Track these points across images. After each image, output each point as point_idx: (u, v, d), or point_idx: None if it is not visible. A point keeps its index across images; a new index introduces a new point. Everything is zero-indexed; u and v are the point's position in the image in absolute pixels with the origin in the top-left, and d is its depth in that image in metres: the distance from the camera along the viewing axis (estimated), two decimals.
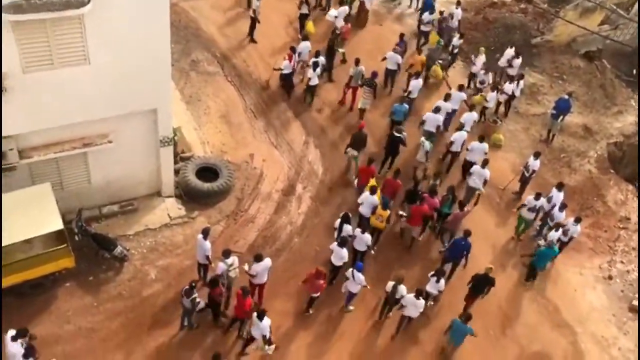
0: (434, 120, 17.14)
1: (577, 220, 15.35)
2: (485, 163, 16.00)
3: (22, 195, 12.55)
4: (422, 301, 12.92)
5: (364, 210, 14.81)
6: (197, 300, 12.39)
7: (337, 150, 17.54)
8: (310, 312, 13.67)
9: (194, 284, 12.36)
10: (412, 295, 12.93)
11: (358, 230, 14.06)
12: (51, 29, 11.22)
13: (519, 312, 14.80)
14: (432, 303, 13.77)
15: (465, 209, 15.00)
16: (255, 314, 11.95)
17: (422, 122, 17.33)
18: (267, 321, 11.89)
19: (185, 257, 14.31)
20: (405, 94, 18.67)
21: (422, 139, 16.60)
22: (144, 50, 12.37)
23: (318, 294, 13.29)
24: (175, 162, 15.50)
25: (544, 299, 15.20)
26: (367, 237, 13.98)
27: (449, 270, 14.45)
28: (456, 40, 20.26)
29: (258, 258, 12.78)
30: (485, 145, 16.76)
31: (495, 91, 18.96)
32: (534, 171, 16.76)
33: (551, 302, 15.18)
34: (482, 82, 19.61)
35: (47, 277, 12.85)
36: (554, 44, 22.67)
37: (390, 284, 13.25)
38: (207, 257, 13.09)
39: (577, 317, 15.01)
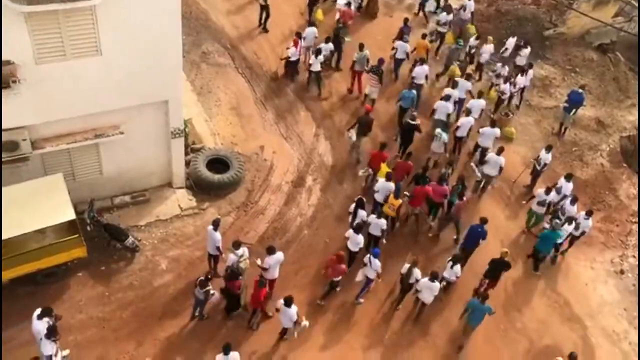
0: (444, 108, 17.15)
1: (589, 214, 15.23)
2: (500, 151, 16.03)
3: (35, 186, 12.67)
4: (437, 284, 13.07)
5: (380, 197, 14.93)
6: (212, 292, 12.47)
7: (349, 141, 17.52)
8: (322, 303, 13.74)
9: (209, 276, 12.46)
10: (426, 279, 13.06)
11: (373, 216, 14.16)
12: (64, 20, 11.27)
13: (530, 306, 14.77)
14: (445, 283, 13.89)
15: (464, 197, 15.02)
16: (282, 301, 12.11)
17: (433, 111, 17.33)
18: (294, 308, 12.10)
19: (195, 248, 14.38)
20: (411, 79, 18.63)
21: (438, 130, 16.56)
22: (156, 41, 12.39)
23: (340, 278, 13.41)
24: (186, 154, 15.54)
25: (555, 293, 15.15)
26: (383, 221, 14.13)
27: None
28: (473, 41, 19.87)
29: (270, 250, 12.80)
30: (496, 130, 16.85)
31: (509, 83, 18.83)
32: (545, 164, 16.69)
33: (562, 296, 15.13)
34: (498, 76, 19.42)
35: (60, 267, 12.97)
36: (567, 36, 22.46)
37: (406, 266, 13.43)
38: (218, 248, 13.15)
39: (588, 311, 14.95)
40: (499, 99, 18.92)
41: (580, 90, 19.02)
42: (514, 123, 19.23)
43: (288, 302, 12.04)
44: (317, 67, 18.42)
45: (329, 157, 17.28)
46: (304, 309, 13.53)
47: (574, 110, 18.89)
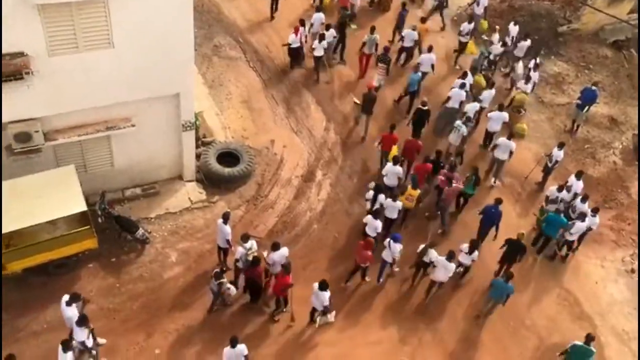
0: (458, 96, 17.29)
1: (595, 211, 15.14)
2: (511, 135, 16.16)
3: (47, 177, 12.76)
4: (452, 265, 13.19)
5: (389, 181, 15.07)
6: (227, 286, 12.53)
7: (359, 136, 17.55)
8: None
9: (224, 268, 12.52)
10: (444, 257, 13.19)
11: (389, 200, 14.27)
12: (76, 12, 11.31)
13: (539, 303, 14.71)
14: (461, 269, 13.99)
15: (454, 184, 14.99)
16: (316, 285, 12.30)
17: (447, 99, 17.45)
18: (328, 292, 12.28)
19: (205, 240, 14.45)
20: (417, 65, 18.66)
21: (458, 122, 16.62)
22: (168, 35, 12.42)
23: (367, 264, 13.59)
24: (197, 147, 15.59)
25: (564, 291, 15.08)
26: (399, 203, 14.27)
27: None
28: (497, 49, 19.53)
29: (275, 247, 12.86)
30: (505, 114, 16.98)
31: (529, 83, 18.72)
32: (557, 162, 16.59)
33: (571, 294, 15.05)
34: (516, 75, 19.29)
35: (71, 258, 13.08)
36: (581, 32, 22.25)
37: (422, 246, 13.60)
38: (228, 241, 13.19)
39: (598, 309, 14.87)
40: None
41: (594, 88, 18.84)
42: (526, 120, 19.10)
43: (323, 286, 12.26)
44: (319, 52, 18.43)
45: (339, 152, 17.27)
46: (308, 303, 13.58)
47: (586, 108, 18.72)
